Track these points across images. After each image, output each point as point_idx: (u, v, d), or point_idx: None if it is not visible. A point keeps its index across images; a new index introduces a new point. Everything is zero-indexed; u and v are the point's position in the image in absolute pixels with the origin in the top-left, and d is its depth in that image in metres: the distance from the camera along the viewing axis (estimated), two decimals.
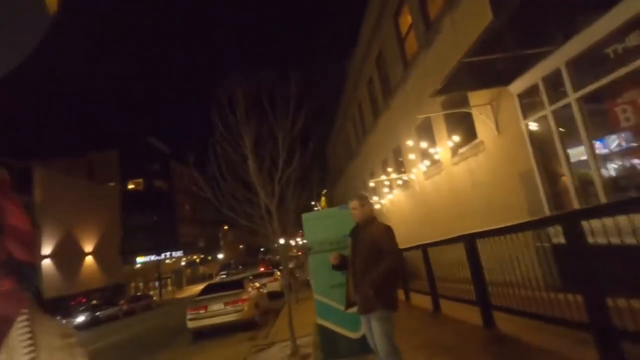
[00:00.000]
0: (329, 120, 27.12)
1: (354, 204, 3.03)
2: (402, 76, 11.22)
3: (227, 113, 5.29)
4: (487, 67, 5.45)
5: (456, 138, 8.26)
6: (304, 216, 3.96)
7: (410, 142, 10.62)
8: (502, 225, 4.06)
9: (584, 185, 4.98)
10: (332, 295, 3.36)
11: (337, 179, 30.72)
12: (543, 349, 3.33)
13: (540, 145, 5.71)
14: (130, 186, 45.37)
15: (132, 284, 42.05)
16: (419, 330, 4.75)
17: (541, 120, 5.58)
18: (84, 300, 29.11)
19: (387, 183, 13.58)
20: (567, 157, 5.16)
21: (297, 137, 5.50)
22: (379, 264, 2.75)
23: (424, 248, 6.55)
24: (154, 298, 31.59)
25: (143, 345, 10.33)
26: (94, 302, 24.78)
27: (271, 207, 5.19)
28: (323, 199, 46.90)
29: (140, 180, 46.56)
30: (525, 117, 5.87)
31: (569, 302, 2.96)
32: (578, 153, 5.06)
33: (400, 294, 8.95)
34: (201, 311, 8.94)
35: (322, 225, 3.82)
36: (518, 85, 5.83)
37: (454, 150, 8.51)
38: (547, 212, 5.64)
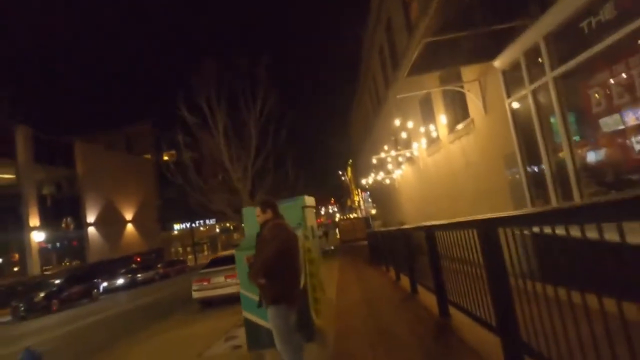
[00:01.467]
0: (351, 88, 26.41)
1: (257, 210, 3.13)
2: (407, 45, 10.56)
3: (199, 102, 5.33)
4: (467, 42, 5.02)
5: (451, 115, 7.81)
6: (244, 209, 4.04)
7: (413, 117, 10.18)
8: (448, 221, 3.91)
9: (561, 172, 4.59)
10: (255, 290, 3.48)
11: (360, 149, 30.34)
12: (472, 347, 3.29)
13: (522, 127, 5.27)
14: (165, 157, 47.65)
15: (172, 249, 45.31)
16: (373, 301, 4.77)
17: (523, 99, 5.11)
18: (138, 259, 31.51)
19: (389, 160, 13.23)
20: (544, 141, 4.74)
21: (272, 121, 5.45)
22: (272, 267, 2.85)
23: (403, 232, 6.42)
24: (189, 263, 33.90)
25: (158, 310, 11.30)
26: (134, 265, 27.03)
27: (243, 193, 5.29)
28: (349, 168, 46.75)
29: (174, 151, 48.68)
30: (509, 95, 5.39)
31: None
32: (555, 137, 4.63)
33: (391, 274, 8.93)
34: (204, 283, 9.53)
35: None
36: (502, 61, 5.32)
37: (451, 128, 8.07)
38: (527, 199, 5.31)
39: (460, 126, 7.54)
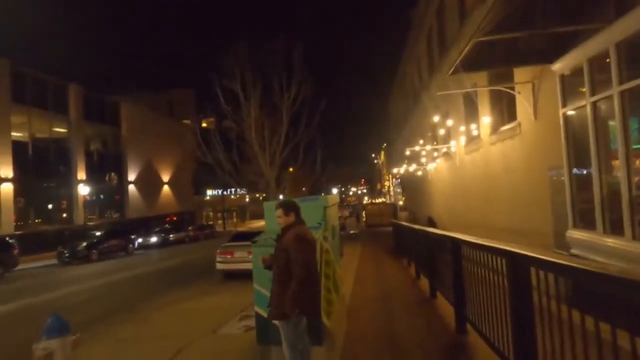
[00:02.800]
0: (393, 73, 25.43)
1: (278, 212, 3.04)
2: (458, 32, 9.85)
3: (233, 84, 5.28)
4: (524, 42, 4.56)
5: (496, 115, 7.28)
6: (265, 204, 4.01)
7: (455, 112, 9.64)
8: (478, 240, 3.68)
9: (613, 198, 4.15)
10: (269, 287, 3.49)
11: (396, 135, 29.52)
12: None
13: (575, 141, 4.79)
14: (204, 124, 48.97)
15: (203, 213, 47.32)
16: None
17: (580, 110, 4.61)
18: (174, 217, 33.33)
19: (424, 153, 12.72)
20: (599, 159, 4.29)
21: (305, 108, 5.33)
22: (286, 274, 2.79)
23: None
24: (218, 229, 35.32)
25: (184, 275, 11.91)
26: (167, 225, 28.54)
27: (270, 180, 5.29)
28: (383, 152, 45.87)
29: (213, 119, 49.87)
30: (565, 104, 4.89)
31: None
32: (612, 156, 4.17)
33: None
34: (228, 256, 9.87)
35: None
36: (562, 65, 4.79)
37: (494, 128, 7.56)
38: (570, 218, 4.90)
39: (504, 128, 7.04)
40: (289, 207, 3.06)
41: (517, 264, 2.53)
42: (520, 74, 5.94)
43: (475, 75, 7.93)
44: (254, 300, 3.68)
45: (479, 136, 8.38)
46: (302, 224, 3.11)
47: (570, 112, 4.81)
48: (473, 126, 8.35)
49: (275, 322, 3.37)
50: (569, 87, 4.82)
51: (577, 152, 4.79)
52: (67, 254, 17.21)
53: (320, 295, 3.03)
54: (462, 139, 9.25)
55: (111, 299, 8.78)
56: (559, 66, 4.86)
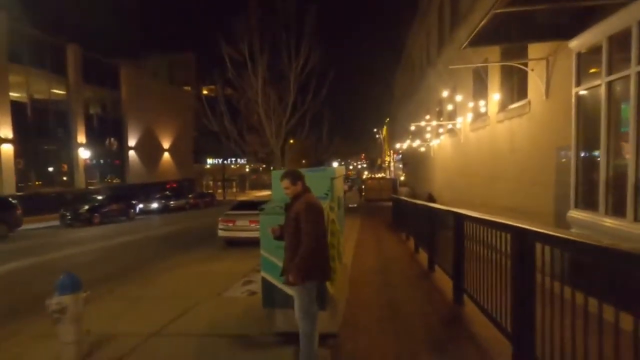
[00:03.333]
0: (400, 47, 24.74)
1: (285, 182, 3.06)
2: (473, 4, 9.49)
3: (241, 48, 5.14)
4: (543, 16, 4.41)
5: (506, 93, 7.17)
6: (273, 173, 4.02)
7: (463, 88, 9.47)
8: (480, 215, 3.74)
9: (618, 181, 4.17)
10: (277, 254, 3.57)
11: (399, 110, 29.16)
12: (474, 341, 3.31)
13: (586, 122, 4.75)
14: (204, 92, 48.13)
15: (203, 182, 47.49)
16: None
17: (594, 90, 4.55)
18: (174, 185, 33.47)
19: (428, 129, 12.62)
20: (608, 141, 4.27)
21: (312, 77, 5.22)
22: (298, 242, 2.84)
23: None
24: (218, 198, 35.56)
25: (186, 241, 12.14)
26: (167, 192, 28.70)
27: (275, 149, 5.27)
28: (385, 127, 45.46)
29: (213, 87, 48.95)
30: (578, 83, 4.81)
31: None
32: (623, 138, 4.15)
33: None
34: (229, 224, 10.02)
35: None
36: (580, 42, 4.66)
37: (502, 106, 7.46)
38: (572, 199, 4.94)
39: (513, 106, 6.95)
40: (295, 177, 3.08)
41: (523, 239, 2.59)
42: (535, 50, 5.80)
43: (486, 51, 7.74)
44: (260, 266, 3.76)
45: (486, 113, 8.29)
46: (309, 191, 3.14)
47: (584, 92, 4.74)
48: (481, 103, 8.23)
49: (289, 290, 3.48)
50: (585, 65, 4.72)
51: (587, 133, 4.76)
52: (69, 217, 17.43)
53: (329, 260, 3.10)
54: (469, 116, 9.15)
55: (115, 261, 8.98)
56: (577, 43, 4.73)
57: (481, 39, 4.95)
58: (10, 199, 15.53)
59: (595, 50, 4.46)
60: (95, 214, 18.06)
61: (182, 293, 5.48)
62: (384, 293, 5.19)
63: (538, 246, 2.42)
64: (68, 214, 17.51)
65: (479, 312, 3.71)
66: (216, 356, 3.37)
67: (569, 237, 2.14)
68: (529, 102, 6.16)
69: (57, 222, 17.68)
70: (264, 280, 3.69)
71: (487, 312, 3.41)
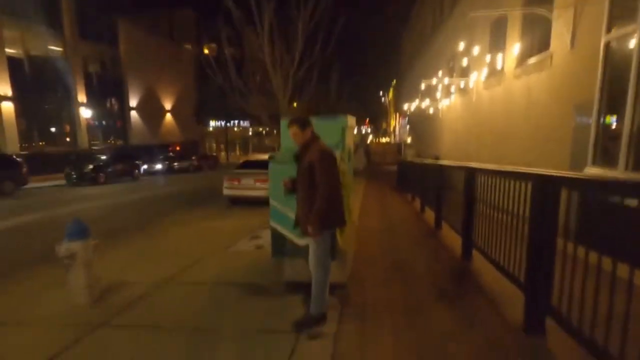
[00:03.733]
0: (409, 5, 23.38)
1: (293, 129, 2.90)
2: None
3: None
4: None
5: (525, 45, 6.76)
6: (282, 122, 3.84)
7: (480, 42, 8.95)
8: (498, 167, 3.60)
9: None
10: (287, 204, 3.50)
11: (407, 71, 28.18)
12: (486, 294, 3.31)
13: (613, 73, 4.47)
14: (205, 51, 46.58)
15: (206, 144, 47.23)
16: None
17: (626, 38, 4.22)
18: (177, 147, 33.30)
19: (440, 87, 12.16)
20: (635, 95, 4.03)
21: (321, 27, 4.87)
22: (313, 193, 2.74)
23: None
24: (221, 160, 35.49)
25: (192, 200, 12.19)
26: (171, 154, 28.60)
27: (282, 102, 5.06)
28: (391, 90, 44.23)
29: (214, 45, 47.30)
30: (609, 30, 4.47)
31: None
32: None
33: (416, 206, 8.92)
34: (235, 183, 9.98)
35: None
36: None
37: (520, 60, 7.08)
38: (589, 157, 4.78)
39: (532, 60, 6.58)
40: (304, 123, 2.91)
41: (548, 187, 2.46)
42: None
43: (507, 1, 7.23)
44: (269, 215, 3.71)
45: (502, 69, 7.90)
46: (319, 139, 3.00)
47: (614, 41, 4.41)
48: (499, 57, 7.82)
49: (300, 240, 3.44)
50: (618, 10, 4.36)
51: (612, 86, 4.49)
52: (74, 175, 17.50)
53: (344, 205, 3.02)
54: (484, 72, 8.74)
55: (123, 217, 9.06)
56: None
57: None
58: (15, 157, 15.51)
59: None
60: (101, 173, 18.11)
61: (190, 247, 5.52)
62: (390, 250, 5.19)
63: (563, 193, 2.31)
64: (73, 172, 17.57)
65: (487, 267, 3.68)
66: (227, 302, 3.40)
67: (597, 179, 2.00)
68: (551, 55, 5.80)
69: (62, 182, 17.78)
70: (272, 230, 3.64)
71: (498, 264, 3.37)
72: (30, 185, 15.27)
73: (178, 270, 4.34)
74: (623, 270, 1.78)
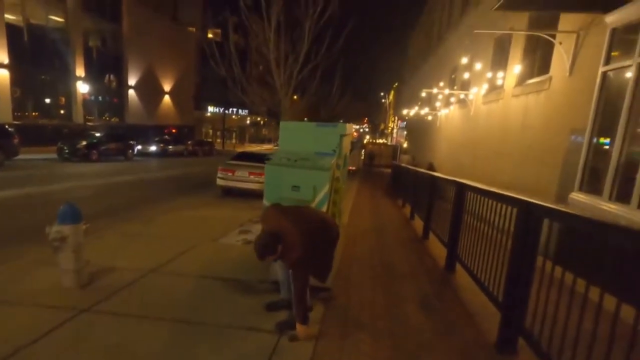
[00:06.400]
0: (419, 6, 23.40)
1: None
2: None
3: None
4: None
5: (527, 66, 6.88)
6: (282, 124, 3.90)
7: (482, 57, 9.07)
8: (485, 187, 3.71)
9: (629, 168, 4.12)
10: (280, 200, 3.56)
11: (410, 76, 28.28)
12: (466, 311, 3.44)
13: (607, 104, 4.60)
14: (209, 35, 46.04)
15: (203, 130, 46.89)
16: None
17: (622, 71, 4.35)
18: (173, 130, 32.94)
19: (440, 97, 12.28)
20: (627, 127, 4.16)
21: (328, 28, 4.91)
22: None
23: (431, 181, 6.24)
24: (216, 148, 35.29)
25: (184, 186, 12.19)
26: (166, 136, 28.37)
27: (284, 100, 5.10)
28: (392, 92, 44.36)
29: (219, 31, 46.74)
30: (607, 61, 4.59)
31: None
32: None
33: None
34: (229, 174, 10.01)
35: (296, 137, 3.76)
36: (617, 16, 4.39)
37: (520, 80, 7.20)
38: (577, 181, 4.92)
39: (532, 81, 6.71)
40: (273, 248, 2.67)
41: (531, 214, 2.57)
42: (566, 22, 5.47)
43: (513, 18, 7.33)
44: (260, 217, 3.76)
45: (501, 86, 8.02)
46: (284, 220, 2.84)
47: (611, 72, 4.54)
48: (499, 74, 7.93)
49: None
50: (618, 43, 4.48)
51: (605, 116, 4.63)
52: (67, 151, 17.29)
53: (330, 261, 3.04)
54: (484, 87, 8.86)
55: (114, 199, 9.03)
56: (614, 18, 4.45)
57: (515, 2, 4.63)
58: (6, 127, 15.27)
59: (631, 28, 4.21)
60: (94, 151, 17.93)
61: (179, 235, 5.56)
62: (377, 253, 5.30)
63: (545, 223, 2.42)
64: (66, 147, 17.36)
65: (469, 280, 3.81)
66: (213, 297, 3.47)
67: (580, 215, 2.11)
68: (550, 78, 5.93)
69: (54, 155, 17.57)
70: None
71: (479, 280, 3.49)
72: (20, 156, 15.07)
73: (166, 259, 4.38)
74: (595, 293, 1.88)
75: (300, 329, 2.78)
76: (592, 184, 4.71)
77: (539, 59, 6.67)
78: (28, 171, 12.80)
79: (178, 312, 3.11)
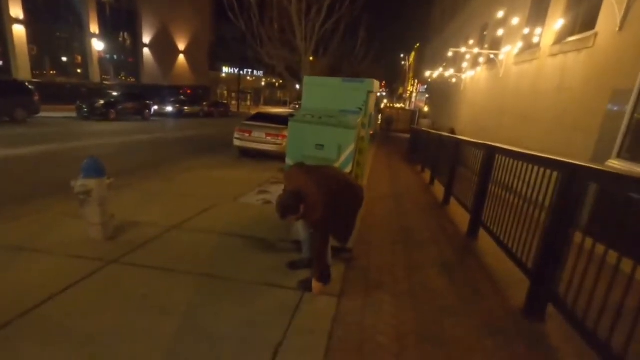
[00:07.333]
0: None
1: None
2: None
3: None
4: None
5: (569, 22, 6.30)
6: (306, 78, 3.69)
7: (519, 11, 8.36)
8: (521, 150, 3.49)
9: None
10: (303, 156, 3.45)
11: (435, 35, 26.77)
12: (489, 275, 3.37)
13: None
14: None
15: (218, 91, 46.41)
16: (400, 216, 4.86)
17: None
18: (189, 91, 32.70)
19: (468, 57, 11.58)
20: None
21: None
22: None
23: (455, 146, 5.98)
24: (231, 109, 35.03)
25: (202, 146, 12.20)
26: (182, 97, 28.22)
27: (305, 55, 4.85)
28: (413, 54, 42.35)
29: None
30: None
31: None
32: None
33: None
34: (246, 134, 9.91)
35: (321, 94, 3.57)
36: None
37: (559, 37, 6.64)
38: (615, 149, 4.62)
39: (573, 38, 6.17)
40: (295, 207, 2.60)
41: (576, 178, 2.39)
42: None
43: None
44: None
45: (537, 44, 7.44)
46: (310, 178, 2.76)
47: None
48: (537, 31, 7.34)
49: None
50: None
51: None
52: (85, 109, 17.44)
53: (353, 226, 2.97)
54: (518, 46, 8.26)
55: (134, 157, 9.13)
56: None
57: None
58: (27, 84, 15.38)
59: None
60: (112, 110, 18.02)
61: (199, 193, 5.59)
62: (397, 218, 5.23)
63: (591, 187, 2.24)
64: (84, 106, 17.50)
65: (492, 247, 3.71)
66: (235, 254, 3.49)
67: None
68: (595, 35, 5.42)
69: (73, 114, 17.77)
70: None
71: (506, 246, 3.37)
72: (41, 114, 15.29)
73: (187, 216, 4.42)
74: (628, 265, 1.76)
75: (315, 285, 2.78)
76: (633, 150, 4.42)
77: (583, 13, 6.08)
78: (50, 128, 13.01)
79: (201, 267, 3.15)
